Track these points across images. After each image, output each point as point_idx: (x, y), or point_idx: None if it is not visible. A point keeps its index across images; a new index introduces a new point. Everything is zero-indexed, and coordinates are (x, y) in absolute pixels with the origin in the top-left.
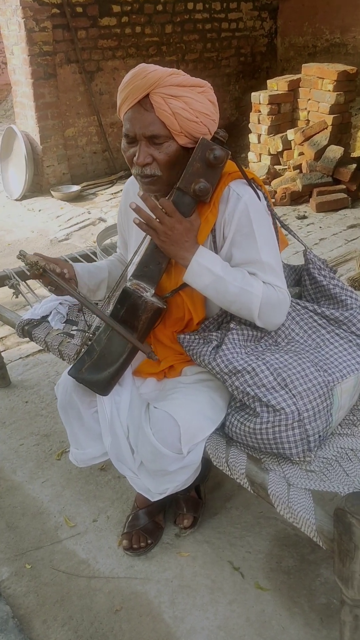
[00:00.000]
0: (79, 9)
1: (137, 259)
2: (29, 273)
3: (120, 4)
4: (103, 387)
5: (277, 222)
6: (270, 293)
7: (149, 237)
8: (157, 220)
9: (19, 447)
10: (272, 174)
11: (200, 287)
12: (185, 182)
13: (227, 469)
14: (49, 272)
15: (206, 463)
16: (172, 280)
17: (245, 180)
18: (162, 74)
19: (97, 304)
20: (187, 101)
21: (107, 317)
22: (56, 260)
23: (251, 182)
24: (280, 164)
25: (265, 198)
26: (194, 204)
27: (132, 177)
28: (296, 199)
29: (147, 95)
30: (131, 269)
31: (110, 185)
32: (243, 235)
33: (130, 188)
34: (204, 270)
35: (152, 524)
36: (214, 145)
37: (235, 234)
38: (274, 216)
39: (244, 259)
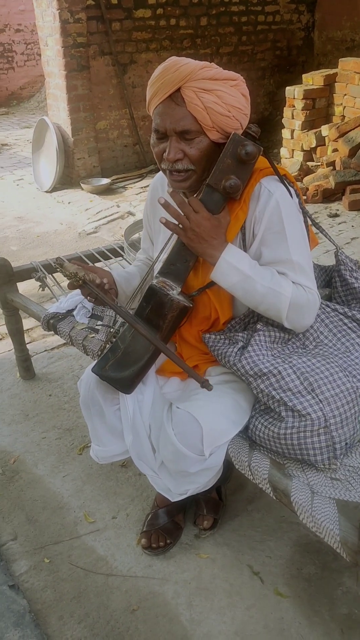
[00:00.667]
0: (114, 1)
1: (164, 256)
2: (67, 284)
3: None
4: (126, 385)
5: (308, 220)
6: (299, 294)
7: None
8: (185, 216)
9: (41, 440)
10: (305, 171)
11: (227, 286)
12: (215, 179)
13: (250, 473)
14: (89, 284)
15: (228, 464)
16: (199, 278)
17: (277, 177)
18: (194, 67)
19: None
20: (220, 95)
21: (150, 334)
22: (94, 268)
23: (283, 178)
24: (313, 161)
25: (297, 195)
26: (224, 201)
27: (159, 173)
28: (328, 196)
29: (179, 89)
30: (157, 266)
31: (140, 178)
32: (273, 233)
33: (158, 184)
34: (232, 269)
35: (172, 524)
36: (246, 141)
37: (266, 232)
38: (305, 214)
39: (273, 258)
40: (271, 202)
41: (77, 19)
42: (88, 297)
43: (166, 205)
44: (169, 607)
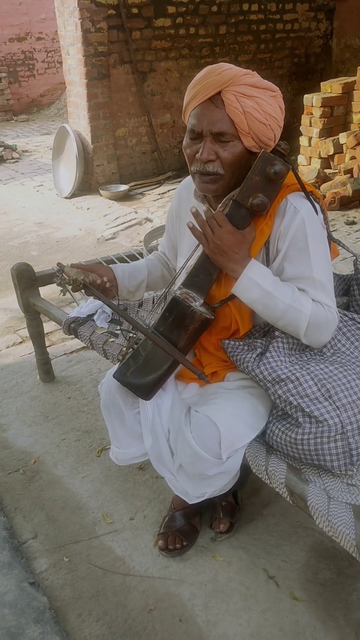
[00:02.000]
0: (135, 10)
1: (189, 265)
2: (69, 288)
3: (175, 5)
4: (146, 391)
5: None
6: (319, 312)
7: (201, 246)
8: (209, 228)
9: (61, 442)
10: (322, 178)
11: (248, 301)
12: (243, 195)
13: (267, 477)
14: (89, 287)
15: (245, 469)
16: (221, 290)
17: (303, 193)
18: (237, 72)
19: (141, 303)
20: (259, 102)
21: (152, 334)
22: (94, 267)
23: (309, 195)
24: (331, 168)
25: (322, 212)
26: (250, 216)
27: (185, 181)
28: (346, 203)
29: (219, 93)
30: (181, 277)
31: (157, 185)
32: (297, 250)
33: (184, 192)
34: (254, 285)
35: (188, 526)
36: (276, 159)
37: (289, 248)
38: (327, 231)
39: (295, 274)
40: (297, 218)
41: (98, 29)
42: (92, 297)
43: (196, 214)
44: (185, 608)
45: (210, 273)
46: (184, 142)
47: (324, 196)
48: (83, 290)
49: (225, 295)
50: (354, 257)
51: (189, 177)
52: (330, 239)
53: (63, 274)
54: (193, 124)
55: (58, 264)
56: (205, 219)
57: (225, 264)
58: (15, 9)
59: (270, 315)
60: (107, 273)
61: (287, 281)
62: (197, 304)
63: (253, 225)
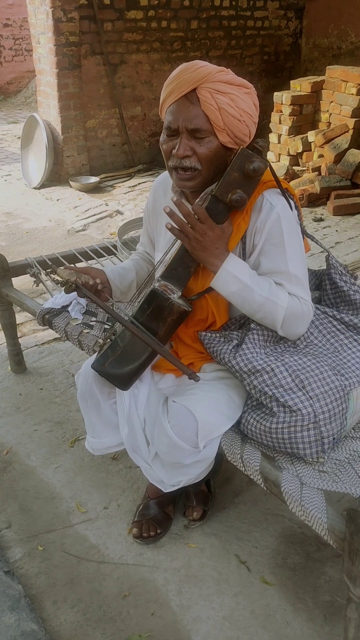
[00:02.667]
0: (107, 1)
1: (167, 258)
2: (62, 289)
3: None
4: (124, 382)
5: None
6: (294, 305)
7: (179, 240)
8: (190, 225)
9: (33, 433)
10: (291, 175)
11: (227, 294)
12: (222, 191)
13: (242, 465)
14: (81, 288)
15: (218, 458)
16: (198, 283)
17: (279, 190)
18: (212, 69)
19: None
20: (234, 98)
21: (144, 334)
22: (87, 269)
23: (285, 192)
24: (299, 165)
25: (297, 208)
26: (228, 212)
27: (160, 176)
28: (313, 201)
29: (195, 90)
30: (159, 269)
31: (128, 178)
32: (273, 245)
33: (159, 187)
34: (232, 278)
35: (162, 515)
36: (254, 157)
37: (265, 243)
38: (301, 226)
39: (271, 269)
40: (272, 214)
41: (69, 18)
42: (85, 298)
43: (171, 214)
44: (159, 593)
45: (188, 266)
46: (160, 138)
47: None
48: (76, 292)
49: (203, 288)
50: (326, 253)
51: (165, 173)
52: (304, 234)
53: (56, 275)
54: (169, 120)
55: (51, 265)
56: (181, 216)
57: (205, 258)
58: None
59: (248, 307)
60: (100, 275)
61: (264, 275)
62: (175, 296)
63: (230, 220)
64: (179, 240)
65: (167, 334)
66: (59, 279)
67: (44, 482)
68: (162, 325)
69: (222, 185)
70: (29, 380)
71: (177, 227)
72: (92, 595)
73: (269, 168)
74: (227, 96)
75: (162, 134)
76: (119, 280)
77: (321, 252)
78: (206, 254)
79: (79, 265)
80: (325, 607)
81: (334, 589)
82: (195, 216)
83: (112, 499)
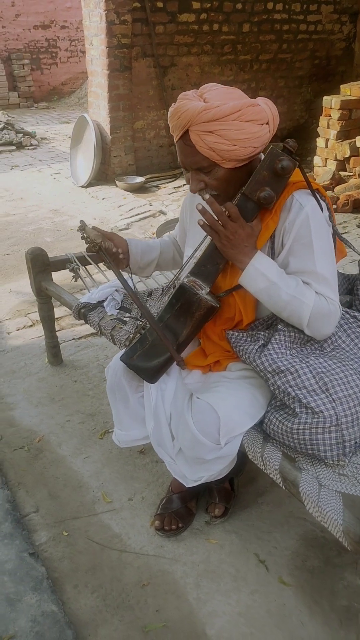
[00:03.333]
0: (160, 4)
1: (196, 255)
2: (86, 248)
3: (200, 1)
4: (151, 375)
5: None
6: (321, 304)
7: (209, 237)
8: (221, 224)
9: (65, 423)
10: (337, 180)
11: (254, 291)
12: (251, 189)
13: (262, 463)
14: (103, 252)
15: (242, 457)
16: (227, 280)
17: (309, 190)
18: (192, 112)
19: (150, 292)
20: (222, 134)
21: (150, 315)
22: (112, 235)
23: (315, 192)
24: (346, 171)
25: (328, 209)
26: (257, 210)
27: None
28: (359, 206)
29: (187, 131)
30: (189, 265)
31: (173, 179)
32: (301, 244)
33: None
34: (260, 275)
35: (185, 509)
36: (283, 155)
37: (294, 242)
38: (333, 228)
39: (299, 268)
40: (301, 214)
41: (122, 21)
42: (103, 263)
43: (203, 212)
44: (177, 586)
45: (217, 263)
46: None
47: (338, 198)
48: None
49: (231, 286)
50: (359, 258)
51: None
52: (338, 237)
53: (84, 232)
54: (179, 158)
55: (81, 221)
56: (212, 214)
57: (234, 255)
58: None
59: (274, 305)
60: (122, 245)
61: (292, 274)
62: (203, 292)
63: (259, 219)
64: (208, 238)
65: (194, 329)
66: (86, 236)
67: (73, 471)
68: (189, 320)
69: (252, 183)
70: (64, 372)
71: (208, 224)
72: (113, 582)
73: (299, 169)
74: (214, 134)
75: None
76: (140, 255)
77: None
78: (235, 252)
79: None
80: (342, 612)
81: (352, 595)
82: (227, 214)
83: (137, 491)
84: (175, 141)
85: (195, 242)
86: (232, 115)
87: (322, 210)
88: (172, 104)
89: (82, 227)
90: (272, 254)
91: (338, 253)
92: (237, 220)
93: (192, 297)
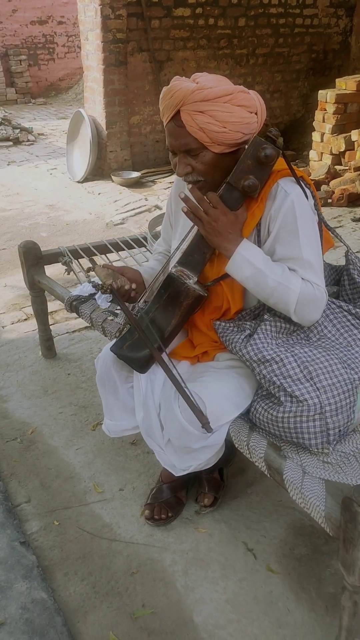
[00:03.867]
0: None
1: (184, 245)
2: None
3: None
4: (141, 365)
5: (322, 221)
6: (307, 290)
7: (195, 227)
8: (203, 210)
9: (58, 415)
10: (332, 174)
11: (240, 279)
12: (235, 178)
13: (247, 452)
14: (115, 294)
15: (231, 448)
16: (214, 269)
17: (294, 178)
18: (185, 91)
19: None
20: (213, 114)
21: (147, 339)
22: (123, 269)
23: (300, 180)
24: (341, 165)
25: (313, 197)
26: (242, 198)
27: None
28: (354, 200)
29: (178, 112)
30: (176, 256)
31: (169, 174)
32: (287, 231)
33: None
34: (246, 263)
35: (174, 499)
36: (266, 144)
37: (280, 230)
38: (319, 215)
39: (285, 255)
40: (287, 202)
41: (117, 15)
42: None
43: (186, 199)
44: (166, 573)
45: (204, 252)
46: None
47: (333, 192)
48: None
49: (218, 275)
50: (347, 249)
51: None
52: (324, 225)
53: (94, 273)
54: (167, 141)
55: (90, 259)
56: (195, 202)
57: (219, 243)
58: None
59: (261, 292)
60: (136, 278)
61: (278, 261)
62: (191, 281)
63: (245, 207)
64: (195, 228)
65: (182, 319)
66: (97, 280)
67: (65, 462)
68: (178, 310)
69: (236, 172)
70: (57, 365)
71: (191, 211)
72: (102, 570)
73: (283, 157)
74: (206, 114)
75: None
76: (151, 280)
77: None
78: (220, 239)
79: (110, 256)
80: (328, 598)
81: (338, 582)
82: (208, 201)
83: (128, 481)
84: (165, 124)
85: (182, 234)
86: (223, 97)
87: (307, 198)
88: (164, 87)
89: (92, 268)
90: (259, 242)
91: (325, 243)
92: (218, 206)
93: (180, 286)
